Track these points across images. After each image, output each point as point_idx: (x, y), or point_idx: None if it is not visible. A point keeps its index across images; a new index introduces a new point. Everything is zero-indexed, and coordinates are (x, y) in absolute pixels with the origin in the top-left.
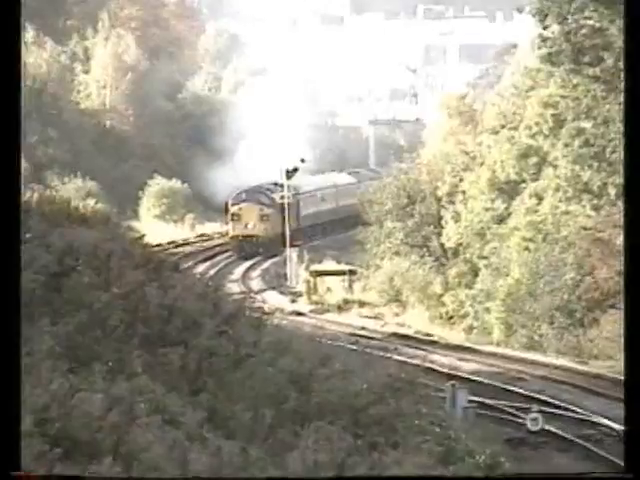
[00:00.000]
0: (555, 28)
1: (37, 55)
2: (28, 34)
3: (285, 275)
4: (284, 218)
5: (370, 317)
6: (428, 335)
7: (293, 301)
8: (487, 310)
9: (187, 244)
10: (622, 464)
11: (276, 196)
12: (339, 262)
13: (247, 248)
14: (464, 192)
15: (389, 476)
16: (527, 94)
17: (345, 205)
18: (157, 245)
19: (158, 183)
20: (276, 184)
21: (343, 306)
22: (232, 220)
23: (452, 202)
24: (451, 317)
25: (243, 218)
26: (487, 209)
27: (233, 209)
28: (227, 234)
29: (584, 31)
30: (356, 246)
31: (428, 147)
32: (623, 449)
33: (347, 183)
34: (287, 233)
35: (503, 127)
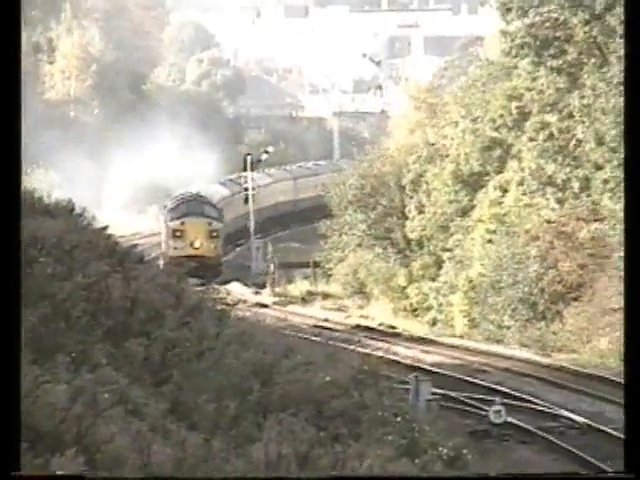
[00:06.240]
0: (518, 22)
1: None
2: None
3: (249, 267)
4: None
5: (334, 309)
6: (392, 327)
7: (256, 293)
8: (450, 303)
9: (153, 235)
10: (583, 456)
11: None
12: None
13: (191, 271)
14: (427, 183)
15: (389, 476)
16: (491, 87)
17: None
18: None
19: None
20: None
21: (307, 298)
22: (173, 237)
23: (416, 191)
24: (415, 309)
25: (188, 235)
26: (451, 201)
27: (174, 224)
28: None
29: (547, 24)
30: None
31: (393, 139)
32: (587, 442)
33: (227, 195)
34: (252, 225)
35: (467, 119)
